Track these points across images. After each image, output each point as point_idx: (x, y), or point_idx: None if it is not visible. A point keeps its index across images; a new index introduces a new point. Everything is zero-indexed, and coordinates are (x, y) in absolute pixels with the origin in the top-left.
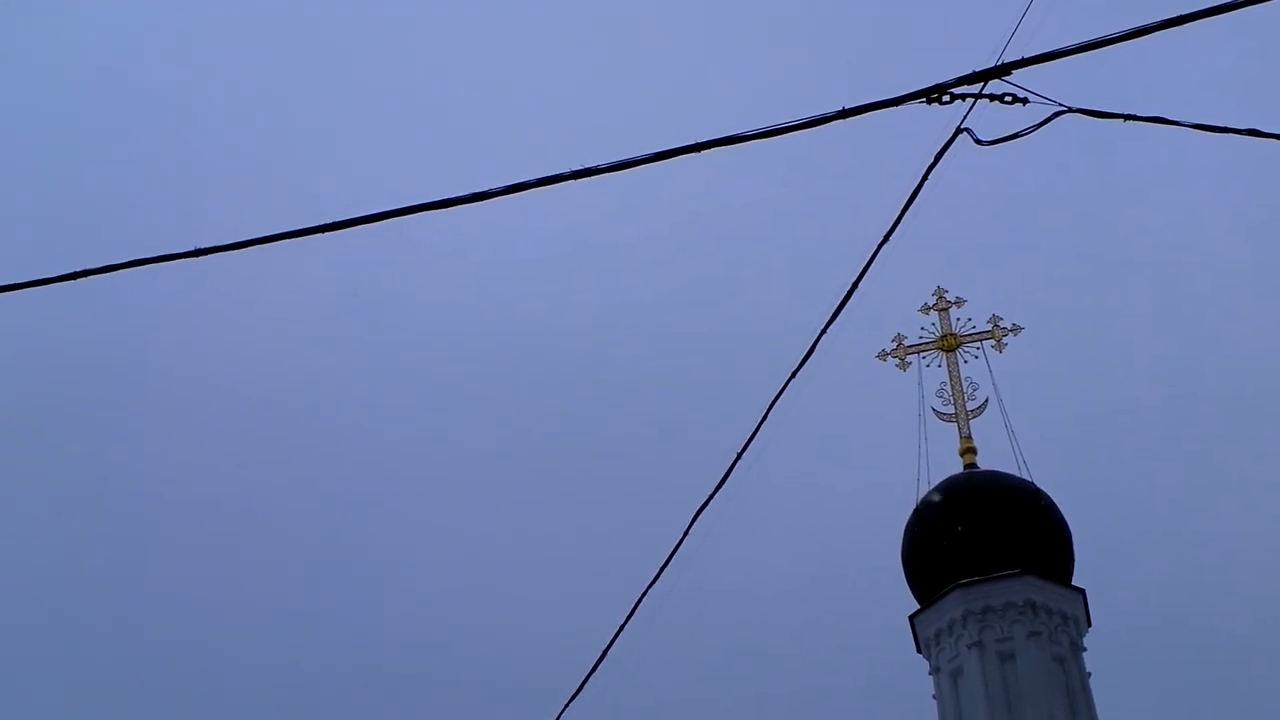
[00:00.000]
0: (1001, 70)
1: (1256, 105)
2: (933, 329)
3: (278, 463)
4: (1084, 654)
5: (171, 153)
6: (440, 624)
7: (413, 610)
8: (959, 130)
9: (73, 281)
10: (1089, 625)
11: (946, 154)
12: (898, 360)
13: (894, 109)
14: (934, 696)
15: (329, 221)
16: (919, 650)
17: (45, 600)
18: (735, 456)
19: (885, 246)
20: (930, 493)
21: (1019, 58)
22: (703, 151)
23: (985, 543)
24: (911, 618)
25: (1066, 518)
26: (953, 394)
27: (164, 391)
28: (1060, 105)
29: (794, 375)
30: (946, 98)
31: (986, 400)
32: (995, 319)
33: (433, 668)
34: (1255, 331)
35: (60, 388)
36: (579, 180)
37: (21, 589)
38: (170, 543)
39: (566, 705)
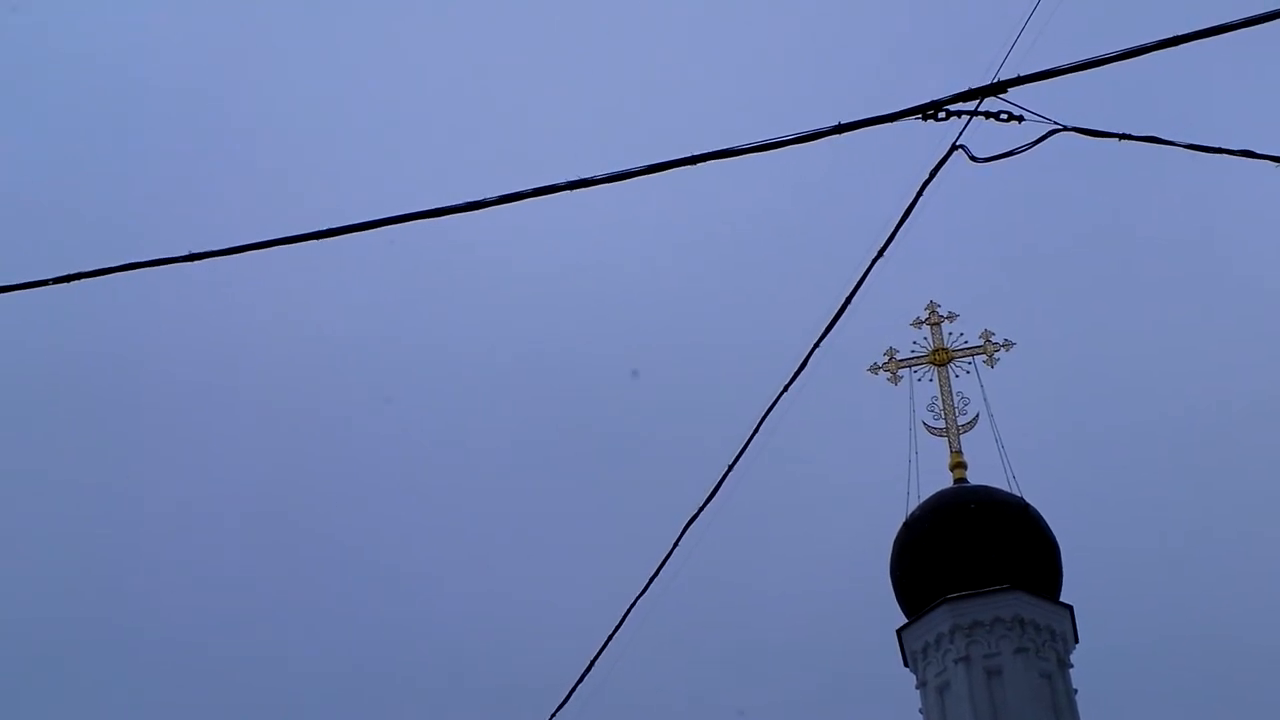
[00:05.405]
0: (997, 88)
1: (1251, 125)
2: (925, 343)
3: (279, 464)
4: (1071, 670)
5: (172, 156)
6: (442, 625)
7: (415, 611)
8: (954, 147)
9: (71, 284)
10: (1076, 641)
11: (941, 170)
12: (889, 374)
13: (890, 125)
14: (920, 711)
15: (328, 227)
16: (906, 664)
17: (45, 600)
18: (727, 468)
19: (879, 261)
20: (919, 507)
21: (1015, 75)
22: (698, 164)
23: (974, 557)
24: (899, 631)
25: (1055, 533)
26: (944, 408)
27: (169, 393)
28: (1056, 124)
29: (787, 388)
30: (942, 114)
31: (977, 415)
32: (987, 334)
33: (435, 668)
34: (1249, 346)
35: (61, 387)
36: (575, 191)
37: (22, 589)
38: (173, 544)
39: (558, 709)
